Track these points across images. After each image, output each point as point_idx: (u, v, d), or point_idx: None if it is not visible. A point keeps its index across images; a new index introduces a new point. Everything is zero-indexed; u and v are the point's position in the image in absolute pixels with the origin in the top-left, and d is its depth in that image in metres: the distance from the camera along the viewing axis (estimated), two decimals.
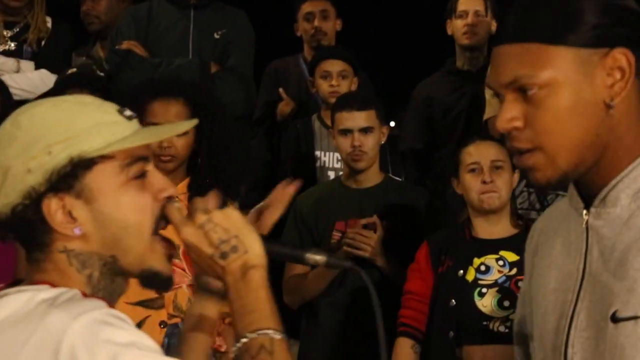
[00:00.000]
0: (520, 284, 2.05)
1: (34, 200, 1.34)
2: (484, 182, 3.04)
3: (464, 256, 3.06)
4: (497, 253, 3.04)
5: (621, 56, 1.35)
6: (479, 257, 3.04)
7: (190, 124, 1.52)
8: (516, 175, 3.09)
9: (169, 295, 2.89)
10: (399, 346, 3.09)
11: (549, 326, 1.44)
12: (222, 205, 1.43)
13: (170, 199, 1.42)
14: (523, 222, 3.11)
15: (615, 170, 1.39)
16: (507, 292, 2.97)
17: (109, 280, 1.39)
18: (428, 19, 5.03)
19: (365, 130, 3.44)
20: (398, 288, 3.18)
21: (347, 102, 3.53)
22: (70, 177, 1.34)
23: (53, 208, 1.34)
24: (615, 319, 1.33)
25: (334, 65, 3.98)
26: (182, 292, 2.88)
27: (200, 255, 1.40)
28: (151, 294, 2.80)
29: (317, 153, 4.05)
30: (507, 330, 2.90)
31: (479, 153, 3.10)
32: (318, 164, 4.05)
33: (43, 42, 4.21)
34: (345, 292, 3.41)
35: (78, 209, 1.35)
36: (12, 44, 4.16)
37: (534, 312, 1.50)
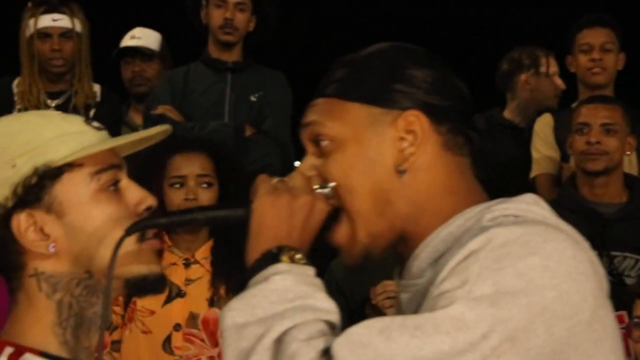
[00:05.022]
0: None
1: (2, 218, 1.28)
2: None
3: None
4: None
5: (413, 119, 1.30)
6: None
7: (164, 128, 1.42)
8: None
9: None
10: None
11: None
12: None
13: (149, 209, 1.35)
14: None
15: (419, 240, 1.30)
16: None
17: (86, 305, 1.31)
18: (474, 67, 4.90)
19: None
20: None
21: None
22: (37, 189, 1.28)
23: (23, 225, 1.28)
24: None
25: None
26: None
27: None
28: None
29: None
30: None
31: None
32: None
33: (92, 112, 4.12)
34: None
35: (50, 225, 1.29)
36: None
37: None
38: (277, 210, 1.27)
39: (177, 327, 2.83)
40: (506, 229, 1.18)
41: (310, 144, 1.36)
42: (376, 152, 1.30)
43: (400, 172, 1.30)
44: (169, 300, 2.86)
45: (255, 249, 1.26)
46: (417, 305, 1.26)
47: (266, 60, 4.09)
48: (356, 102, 1.32)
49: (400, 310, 1.32)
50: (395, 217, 1.30)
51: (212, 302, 2.86)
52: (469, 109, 1.36)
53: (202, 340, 2.82)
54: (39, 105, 3.89)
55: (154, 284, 1.34)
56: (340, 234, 1.32)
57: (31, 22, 3.95)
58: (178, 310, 2.85)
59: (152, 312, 2.85)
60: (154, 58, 4.39)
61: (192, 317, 2.83)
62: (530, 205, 1.27)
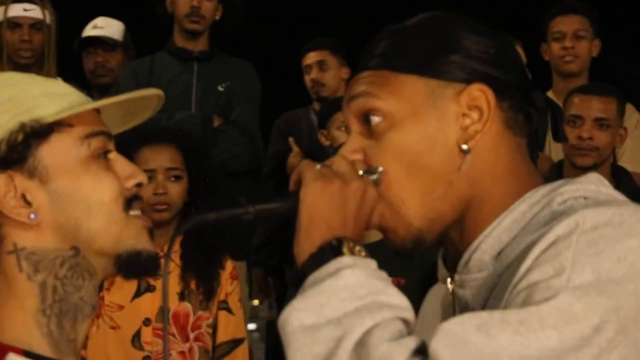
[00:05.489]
0: None
1: None
2: None
3: None
4: None
5: (479, 93, 1.19)
6: None
7: (157, 91, 1.29)
8: None
9: None
10: None
11: None
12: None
13: (140, 186, 1.24)
14: None
15: (479, 230, 1.19)
16: None
17: (71, 288, 1.19)
18: None
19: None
20: None
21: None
22: (22, 147, 1.16)
23: (2, 189, 1.16)
24: None
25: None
26: None
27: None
28: None
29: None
30: None
31: None
32: None
33: None
34: None
35: (32, 191, 1.17)
36: None
37: None
38: (329, 198, 1.14)
39: (146, 322, 2.76)
40: (594, 210, 1.08)
41: (357, 121, 1.23)
42: (437, 129, 1.19)
43: (464, 151, 1.19)
44: (138, 294, 2.78)
45: (308, 242, 1.14)
46: (483, 301, 1.17)
47: (233, 50, 4.03)
48: (411, 74, 1.20)
49: (461, 308, 1.22)
50: (458, 200, 1.20)
51: (183, 297, 2.79)
52: (528, 84, 1.25)
53: (173, 335, 2.75)
54: None
55: (148, 263, 1.21)
56: (384, 217, 1.21)
57: (0, 10, 3.83)
58: (148, 304, 2.78)
59: (121, 307, 2.78)
60: (117, 48, 4.31)
61: (162, 312, 2.75)
62: (598, 185, 1.18)
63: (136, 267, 1.21)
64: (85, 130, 1.20)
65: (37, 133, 1.17)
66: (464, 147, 1.18)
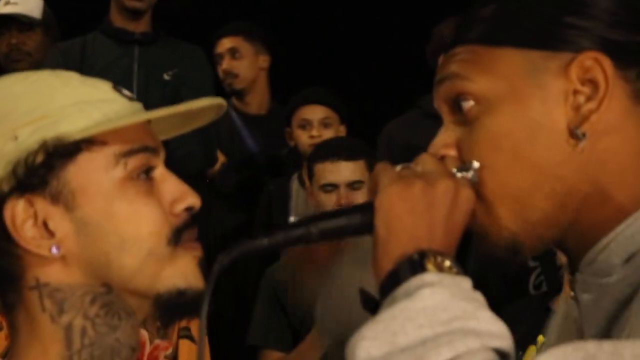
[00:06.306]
0: None
1: None
2: None
3: None
4: None
5: (591, 63, 1.00)
6: None
7: (218, 101, 1.14)
8: None
9: None
10: None
11: None
12: None
13: (191, 210, 1.09)
14: None
15: (606, 227, 1.03)
16: None
17: (105, 329, 1.08)
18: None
19: (353, 185, 2.91)
20: None
21: (331, 150, 2.95)
22: (43, 170, 1.05)
23: (20, 216, 1.05)
24: None
25: (315, 112, 3.41)
26: None
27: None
28: None
29: (293, 219, 3.47)
30: None
31: None
32: None
33: None
34: None
35: (56, 219, 1.06)
36: None
37: None
38: (410, 204, 0.99)
39: None
40: None
41: (448, 108, 1.07)
42: (541, 112, 1.02)
43: (576, 137, 1.00)
44: None
45: (386, 258, 0.98)
46: (606, 312, 1.01)
47: (182, 34, 3.62)
48: (510, 47, 1.03)
49: (576, 313, 1.06)
50: (569, 199, 1.02)
51: None
52: None
53: None
54: None
55: (191, 305, 1.07)
56: (475, 220, 1.04)
57: None
58: None
59: None
60: (35, 27, 3.85)
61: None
62: None
63: (177, 309, 1.08)
64: (122, 147, 1.07)
65: (61, 153, 1.04)
66: (578, 132, 1.01)
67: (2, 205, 1.05)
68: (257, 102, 3.96)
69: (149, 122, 1.12)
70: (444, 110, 1.09)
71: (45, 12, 3.89)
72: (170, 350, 2.43)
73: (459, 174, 1.03)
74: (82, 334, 1.08)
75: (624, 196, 1.02)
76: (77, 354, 1.07)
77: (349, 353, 0.94)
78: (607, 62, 1.00)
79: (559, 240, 1.06)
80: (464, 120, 1.06)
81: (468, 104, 1.05)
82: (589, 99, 1.01)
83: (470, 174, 1.03)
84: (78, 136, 1.05)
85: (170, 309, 1.08)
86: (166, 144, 3.17)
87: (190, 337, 2.51)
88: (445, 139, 1.08)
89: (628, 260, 1.01)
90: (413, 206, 1.00)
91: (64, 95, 1.08)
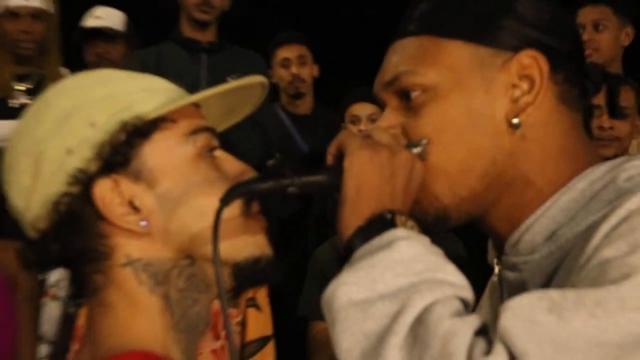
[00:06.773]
0: None
1: (82, 187, 1.04)
2: None
3: None
4: None
5: (530, 61, 1.09)
6: None
7: (259, 79, 1.20)
8: None
9: None
10: None
11: None
12: None
13: None
14: None
15: (525, 212, 1.10)
16: None
17: (189, 302, 1.08)
18: None
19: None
20: None
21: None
22: (125, 148, 1.05)
23: (108, 196, 1.05)
24: None
25: (364, 109, 3.70)
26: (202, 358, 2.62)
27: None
28: None
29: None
30: None
31: None
32: None
33: None
34: None
35: (140, 196, 1.06)
36: (27, 99, 3.62)
37: None
38: (378, 168, 1.04)
39: None
40: None
41: (393, 97, 1.14)
42: (483, 101, 1.08)
43: (513, 126, 1.09)
44: None
45: (355, 215, 1.03)
46: (535, 286, 1.07)
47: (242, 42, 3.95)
48: (457, 40, 1.10)
49: (511, 292, 1.12)
50: (497, 180, 1.10)
51: None
52: (584, 55, 1.15)
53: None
54: (6, 89, 3.65)
55: (266, 271, 1.09)
56: (419, 188, 1.11)
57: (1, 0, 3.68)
58: None
59: None
60: (118, 39, 4.17)
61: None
62: None
63: (254, 276, 1.09)
64: (190, 126, 1.09)
65: (139, 131, 1.06)
66: (515, 121, 1.08)
67: (91, 184, 1.05)
68: (307, 103, 4.32)
69: (199, 109, 1.15)
70: (388, 98, 1.14)
71: (126, 25, 4.19)
72: (240, 318, 2.73)
73: (410, 149, 1.09)
74: (177, 305, 1.07)
75: (544, 182, 1.09)
76: (177, 324, 1.07)
77: (327, 297, 0.97)
78: (543, 61, 1.09)
79: (483, 219, 1.13)
80: (409, 106, 1.11)
81: (415, 94, 1.10)
82: (526, 92, 1.08)
83: (419, 149, 1.09)
84: (153, 114, 1.06)
85: (246, 276, 1.09)
86: (227, 139, 3.54)
87: (256, 306, 2.75)
88: (390, 121, 1.13)
89: (550, 237, 1.07)
90: (381, 171, 1.04)
91: (130, 84, 1.10)
